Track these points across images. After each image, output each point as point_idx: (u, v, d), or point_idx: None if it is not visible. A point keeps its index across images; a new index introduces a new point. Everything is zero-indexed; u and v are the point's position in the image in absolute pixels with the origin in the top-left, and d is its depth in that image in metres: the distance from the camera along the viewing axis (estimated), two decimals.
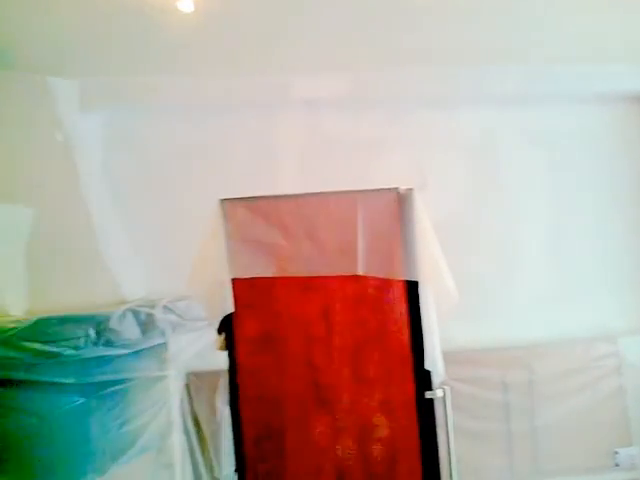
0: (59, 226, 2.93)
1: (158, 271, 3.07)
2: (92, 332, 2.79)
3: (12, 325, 2.70)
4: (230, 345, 2.29)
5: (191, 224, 2.84)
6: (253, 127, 3.14)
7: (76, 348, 2.78)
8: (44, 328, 2.74)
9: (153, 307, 2.92)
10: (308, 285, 2.31)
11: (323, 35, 2.81)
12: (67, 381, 2.81)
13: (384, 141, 3.19)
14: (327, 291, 2.30)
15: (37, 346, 2.71)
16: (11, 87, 2.92)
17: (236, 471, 2.21)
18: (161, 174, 3.06)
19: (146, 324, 2.92)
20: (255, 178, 3.01)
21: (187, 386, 3.08)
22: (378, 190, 2.33)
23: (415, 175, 3.13)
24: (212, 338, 2.83)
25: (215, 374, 2.98)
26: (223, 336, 2.37)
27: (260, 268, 2.31)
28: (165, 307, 2.96)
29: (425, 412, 2.24)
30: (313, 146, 3.15)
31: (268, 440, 2.22)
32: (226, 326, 2.30)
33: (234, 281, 2.28)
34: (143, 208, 3.06)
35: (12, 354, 2.69)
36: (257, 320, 2.30)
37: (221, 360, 2.66)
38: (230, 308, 2.23)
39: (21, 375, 2.73)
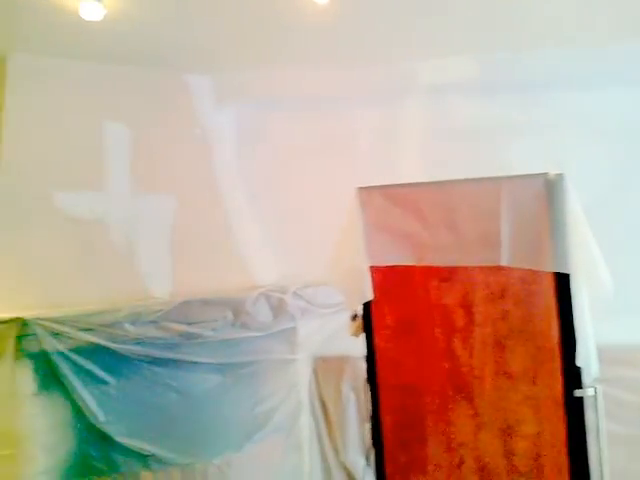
0: (199, 215, 3.12)
1: (287, 259, 3.17)
2: (229, 315, 2.95)
3: (158, 307, 2.90)
4: (368, 332, 2.29)
5: (320, 213, 2.92)
6: (381, 115, 3.14)
7: (215, 329, 2.96)
8: (187, 310, 2.93)
9: (284, 292, 3.04)
10: (448, 275, 2.25)
11: (450, 18, 2.71)
12: (206, 360, 2.98)
13: (518, 126, 3.05)
14: (467, 281, 2.23)
15: (180, 327, 2.90)
16: (151, 84, 3.13)
17: (375, 456, 2.21)
18: (292, 164, 3.15)
19: (277, 308, 3.04)
20: (385, 166, 3.00)
21: (314, 370, 3.17)
22: (523, 176, 2.21)
23: (552, 161, 2.95)
24: (339, 324, 2.88)
25: (342, 359, 3.04)
26: (358, 322, 2.38)
27: (398, 256, 2.29)
28: (295, 293, 3.06)
29: (573, 411, 2.12)
30: (442, 132, 3.08)
31: (407, 430, 2.22)
32: (363, 313, 2.31)
33: (372, 269, 2.28)
34: (274, 198, 3.18)
35: (158, 334, 2.89)
36: (395, 308, 2.28)
37: (348, 346, 2.69)
38: (369, 295, 2.24)
39: (165, 354, 2.93)
